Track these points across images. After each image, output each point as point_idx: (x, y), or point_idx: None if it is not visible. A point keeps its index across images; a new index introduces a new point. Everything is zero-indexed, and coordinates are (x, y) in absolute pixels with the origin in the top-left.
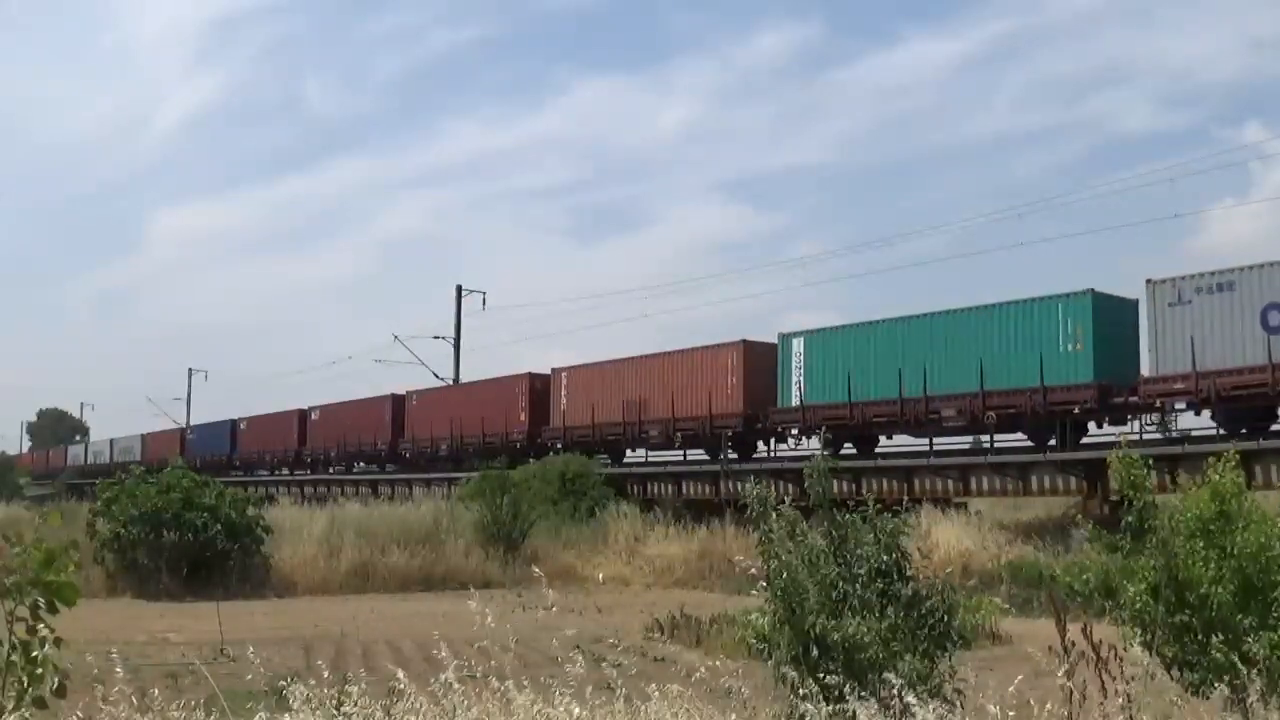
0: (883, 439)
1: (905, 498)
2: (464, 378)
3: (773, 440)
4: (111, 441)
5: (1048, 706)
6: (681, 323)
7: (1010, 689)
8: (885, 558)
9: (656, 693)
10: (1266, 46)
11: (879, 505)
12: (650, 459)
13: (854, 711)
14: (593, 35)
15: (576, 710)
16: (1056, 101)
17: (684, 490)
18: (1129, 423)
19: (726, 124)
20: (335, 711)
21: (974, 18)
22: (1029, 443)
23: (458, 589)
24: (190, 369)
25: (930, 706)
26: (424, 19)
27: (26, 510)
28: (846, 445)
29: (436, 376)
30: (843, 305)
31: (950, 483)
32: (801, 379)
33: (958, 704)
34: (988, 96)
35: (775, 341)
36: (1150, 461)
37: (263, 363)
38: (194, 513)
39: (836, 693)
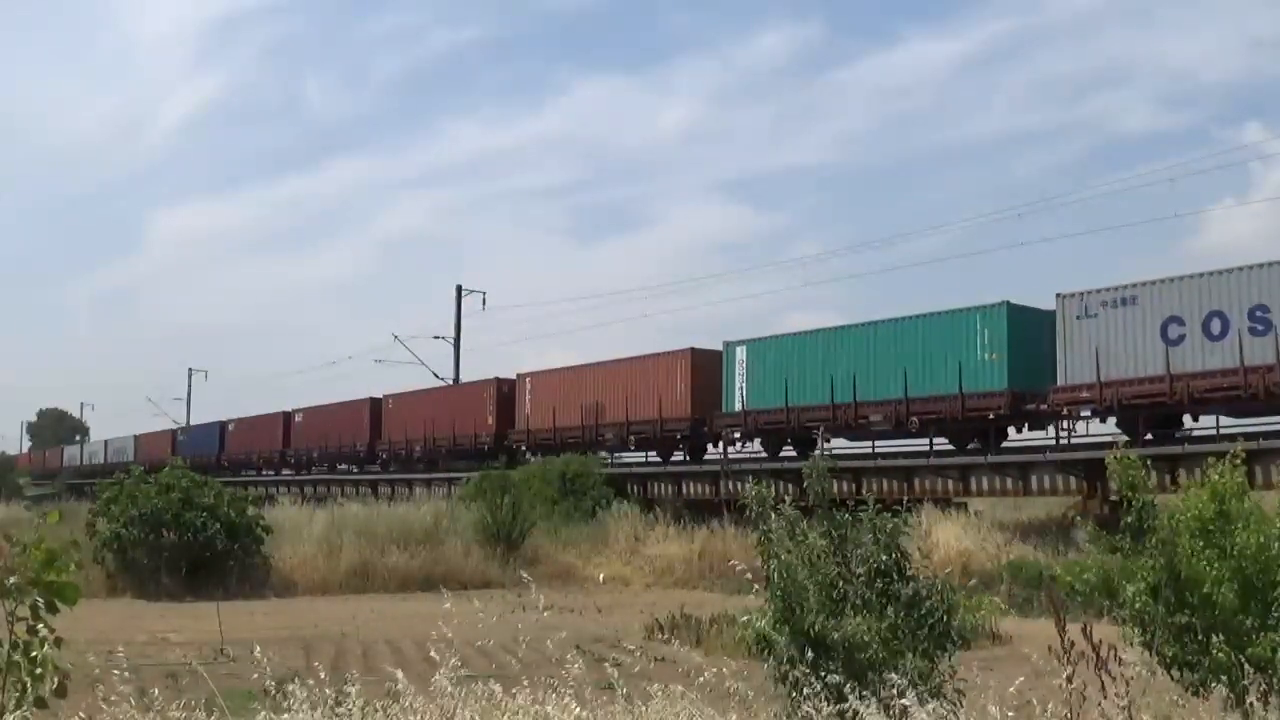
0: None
1: (905, 498)
2: (464, 378)
3: (721, 443)
4: (106, 442)
5: (1048, 706)
6: (682, 323)
7: (1010, 689)
8: (885, 557)
9: (660, 692)
10: (1266, 46)
11: (879, 505)
12: (649, 459)
13: (855, 711)
14: (593, 35)
15: (576, 710)
16: (1056, 101)
17: (684, 490)
18: (1046, 429)
19: (726, 124)
20: (333, 712)
21: (974, 18)
22: (1031, 442)
23: (457, 589)
24: (190, 369)
25: (928, 706)
26: (424, 19)
27: (27, 510)
28: (786, 447)
29: (436, 376)
30: (843, 305)
31: (950, 483)
32: (744, 385)
33: (958, 704)
34: (987, 96)
35: (721, 349)
36: (1149, 461)
37: (263, 363)
38: (193, 513)
39: (837, 693)
